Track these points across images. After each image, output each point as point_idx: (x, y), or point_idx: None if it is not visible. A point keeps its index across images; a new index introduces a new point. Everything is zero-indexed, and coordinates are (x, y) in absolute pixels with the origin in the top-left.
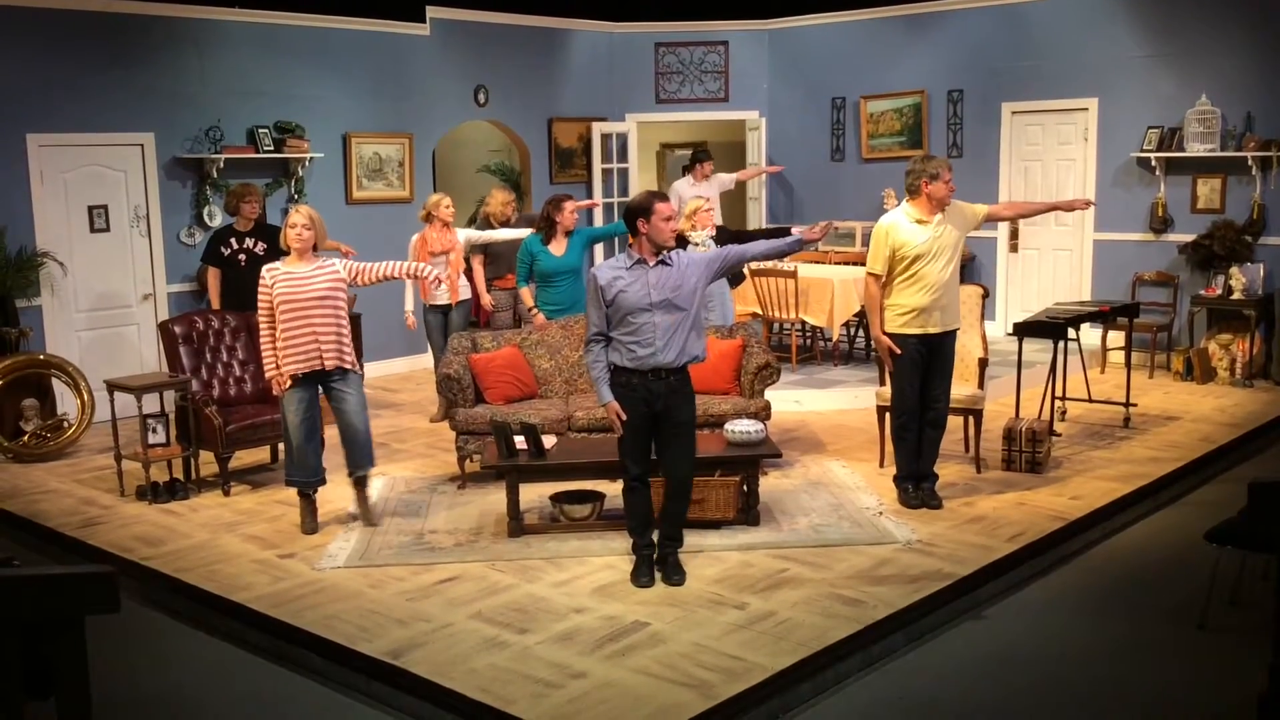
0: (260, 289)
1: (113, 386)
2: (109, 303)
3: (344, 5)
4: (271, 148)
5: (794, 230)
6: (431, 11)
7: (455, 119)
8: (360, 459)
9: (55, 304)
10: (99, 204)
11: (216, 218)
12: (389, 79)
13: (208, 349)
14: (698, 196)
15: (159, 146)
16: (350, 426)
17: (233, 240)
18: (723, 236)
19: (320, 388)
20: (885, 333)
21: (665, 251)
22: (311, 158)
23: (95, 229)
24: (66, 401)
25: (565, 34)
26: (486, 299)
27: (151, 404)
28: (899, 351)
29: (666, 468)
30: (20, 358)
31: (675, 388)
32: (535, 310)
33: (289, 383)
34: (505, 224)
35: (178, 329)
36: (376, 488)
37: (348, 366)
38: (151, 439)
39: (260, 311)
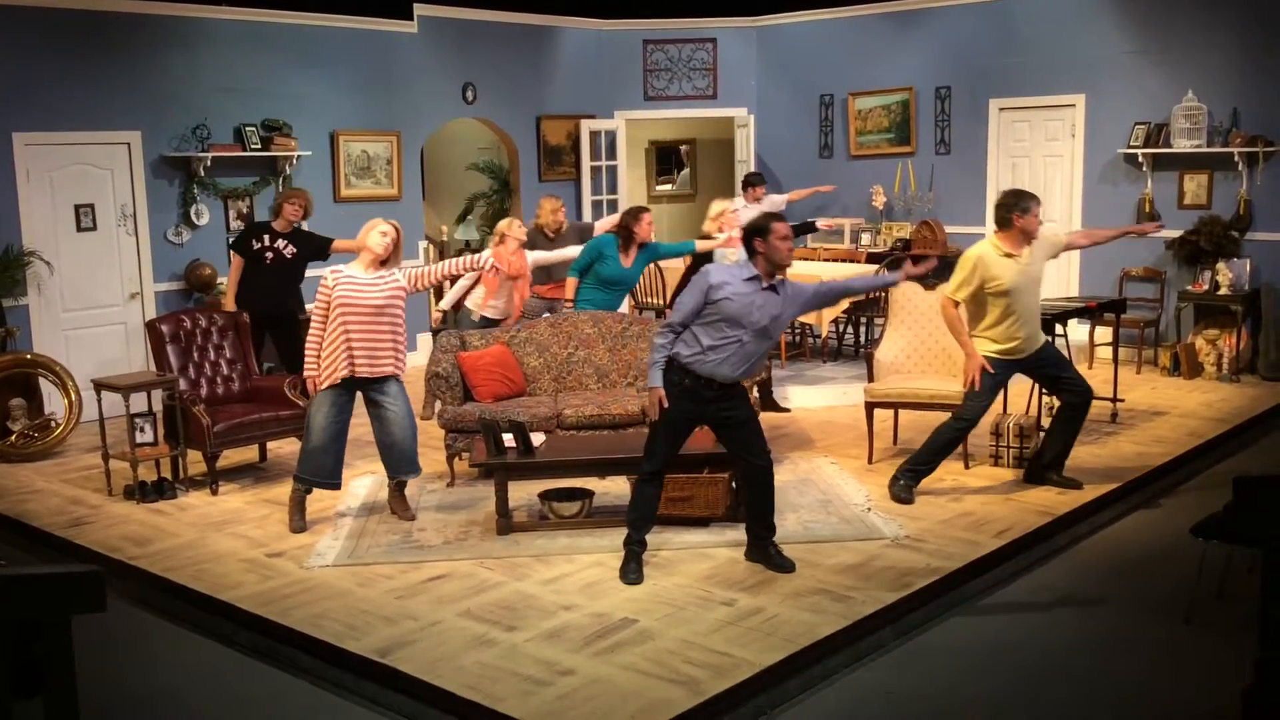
0: (320, 289)
1: (100, 386)
2: (96, 302)
3: (331, 3)
4: (259, 146)
5: (818, 224)
6: (419, 9)
7: (443, 117)
8: (401, 467)
9: (42, 303)
10: (85, 203)
11: (204, 216)
12: (377, 77)
13: (195, 348)
14: (719, 200)
15: (145, 145)
16: (391, 436)
17: (266, 237)
18: None
19: (361, 394)
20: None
21: (778, 275)
22: (299, 155)
23: (82, 228)
24: (54, 401)
25: (553, 31)
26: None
27: (139, 403)
28: (992, 371)
29: (743, 467)
30: (7, 357)
31: (726, 393)
32: (571, 304)
33: (325, 386)
34: (558, 232)
35: (165, 328)
36: (366, 486)
37: (391, 372)
38: (139, 438)
39: (316, 310)
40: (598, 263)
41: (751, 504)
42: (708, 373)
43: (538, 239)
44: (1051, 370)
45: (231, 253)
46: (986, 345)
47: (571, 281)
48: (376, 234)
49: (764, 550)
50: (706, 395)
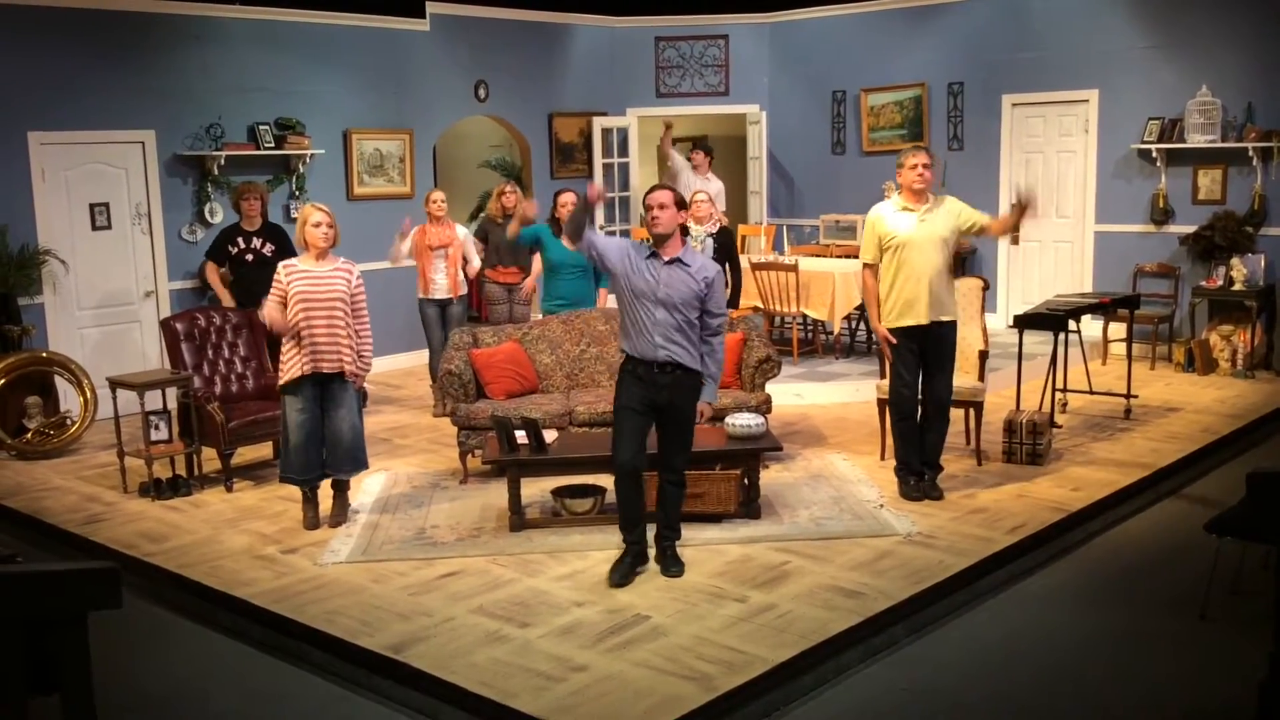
0: (274, 285)
1: (115, 384)
2: (111, 300)
3: (344, 1)
4: (272, 144)
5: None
6: (431, 7)
7: (456, 114)
8: (339, 463)
9: (57, 301)
10: (100, 201)
11: (218, 215)
12: (389, 75)
13: (209, 346)
14: (699, 191)
15: (160, 144)
16: (336, 432)
17: (240, 240)
18: (721, 239)
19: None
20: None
21: (686, 251)
22: (312, 154)
23: (97, 226)
24: (69, 399)
25: (565, 28)
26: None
27: (154, 401)
28: (894, 342)
29: (663, 458)
30: (23, 355)
31: (681, 381)
32: (526, 299)
33: (285, 381)
34: (507, 215)
35: (179, 326)
36: (380, 483)
37: (347, 370)
38: (154, 436)
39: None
40: (542, 250)
41: (662, 497)
42: (643, 353)
43: (490, 228)
44: (936, 358)
45: (207, 261)
46: (887, 314)
47: (534, 274)
48: (310, 228)
49: (663, 550)
50: (661, 381)
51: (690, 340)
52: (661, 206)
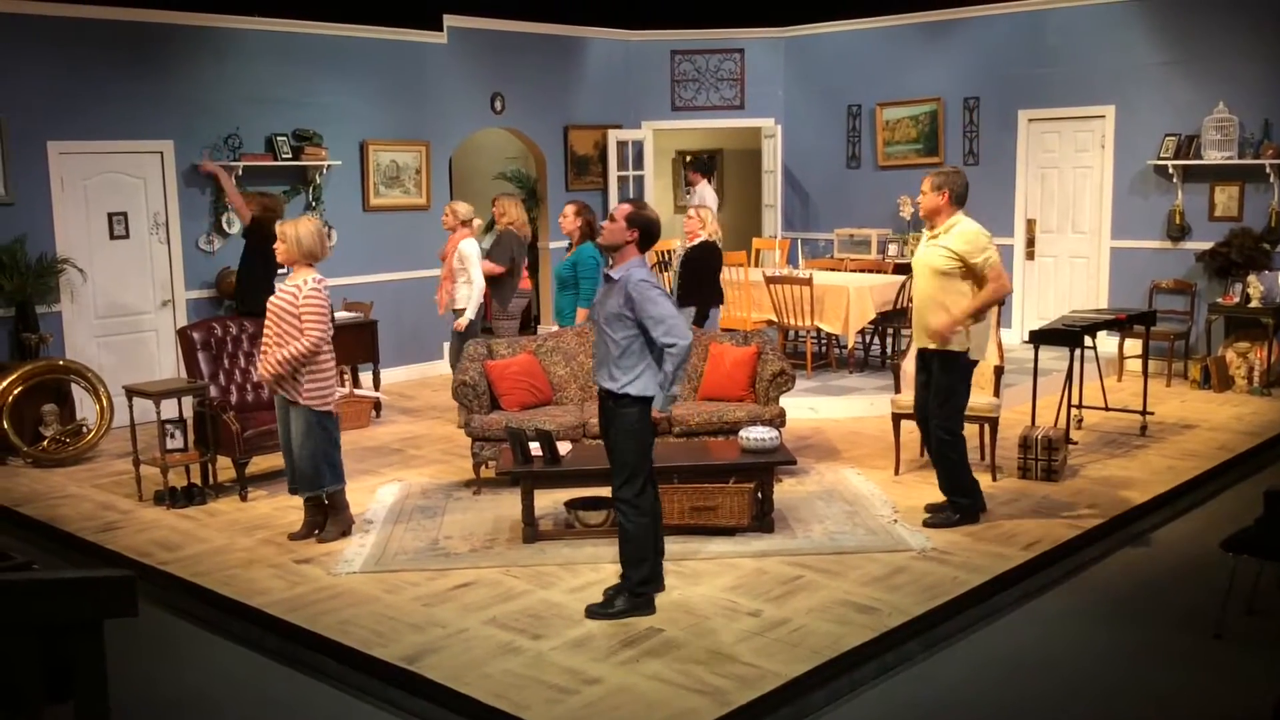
0: None
1: (131, 392)
2: (128, 309)
3: (362, 13)
4: (289, 155)
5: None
6: (449, 20)
7: (472, 126)
8: (292, 479)
9: (75, 310)
10: (118, 211)
11: (235, 225)
12: (406, 87)
13: (225, 355)
14: (690, 208)
15: (178, 154)
16: (286, 448)
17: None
18: (694, 253)
19: None
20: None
21: (622, 266)
22: (329, 165)
23: (115, 236)
24: (86, 407)
25: (581, 42)
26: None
27: (170, 410)
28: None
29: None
30: (40, 363)
31: (610, 410)
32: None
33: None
34: (489, 230)
35: (196, 335)
36: (394, 493)
37: (277, 391)
38: (170, 444)
39: None
40: None
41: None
42: (596, 380)
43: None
44: (932, 387)
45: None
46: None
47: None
48: (276, 242)
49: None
50: (603, 406)
51: (620, 366)
52: (611, 219)
